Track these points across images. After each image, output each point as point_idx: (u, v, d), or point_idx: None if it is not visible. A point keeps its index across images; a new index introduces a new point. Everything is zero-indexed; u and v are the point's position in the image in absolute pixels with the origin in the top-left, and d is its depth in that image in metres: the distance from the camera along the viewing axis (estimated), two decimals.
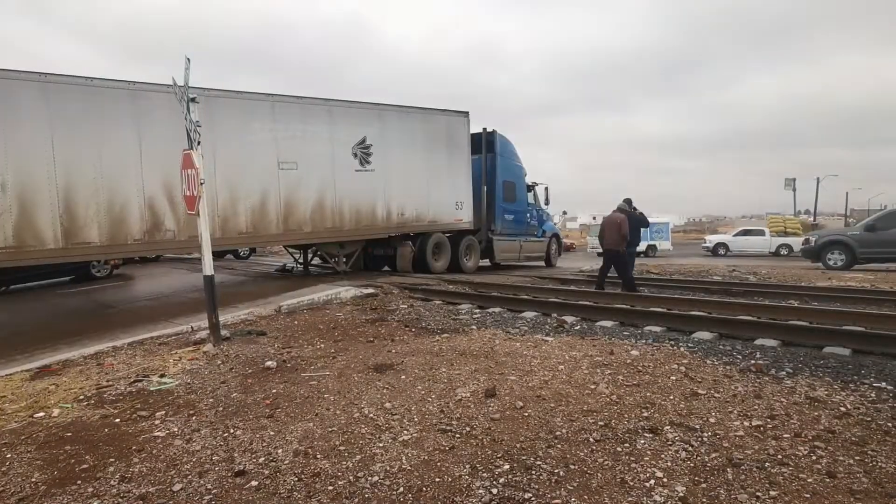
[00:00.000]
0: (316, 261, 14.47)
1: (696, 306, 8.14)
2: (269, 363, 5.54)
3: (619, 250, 10.15)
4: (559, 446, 3.49)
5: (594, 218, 34.94)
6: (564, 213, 30.46)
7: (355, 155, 12.37)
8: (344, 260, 13.13)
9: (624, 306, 8.19)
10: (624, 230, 10.05)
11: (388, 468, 3.32)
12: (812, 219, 46.68)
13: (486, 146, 15.69)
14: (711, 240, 32.90)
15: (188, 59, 6.01)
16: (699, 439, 3.52)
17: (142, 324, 7.94)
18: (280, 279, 12.82)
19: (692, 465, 3.21)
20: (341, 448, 3.62)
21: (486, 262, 16.57)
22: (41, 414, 4.60)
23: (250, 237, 11.08)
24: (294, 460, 3.48)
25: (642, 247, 31.96)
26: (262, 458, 3.54)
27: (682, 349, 5.58)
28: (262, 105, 11.03)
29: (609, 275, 10.78)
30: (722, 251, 30.74)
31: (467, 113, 14.54)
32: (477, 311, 8.23)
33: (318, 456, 3.53)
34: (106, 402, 4.79)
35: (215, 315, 6.40)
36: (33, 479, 3.45)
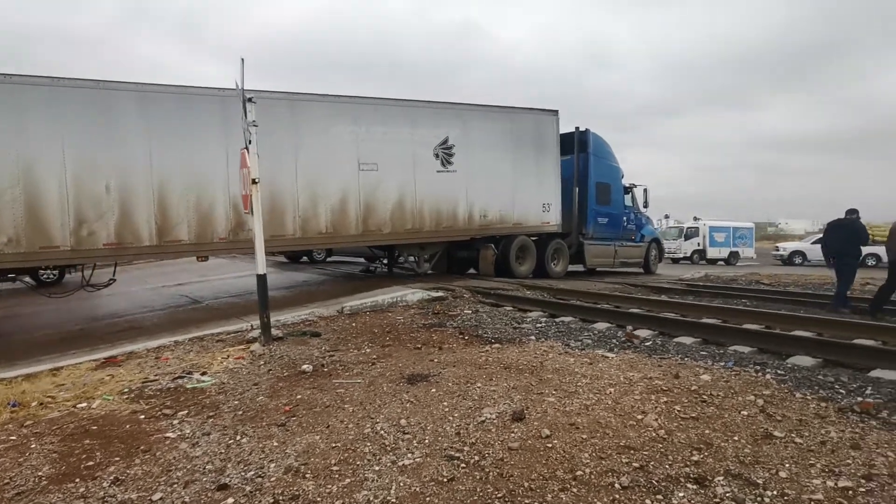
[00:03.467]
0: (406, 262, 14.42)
1: (803, 325, 6.96)
2: (305, 367, 5.38)
3: None
4: (575, 490, 2.92)
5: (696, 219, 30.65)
6: (666, 216, 28.21)
7: (437, 156, 12.14)
8: (426, 260, 12.97)
9: (713, 321, 7.22)
10: None
11: (371, 498, 2.94)
12: None
13: (578, 146, 14.85)
14: (786, 247, 28.24)
15: (242, 59, 6.05)
16: (759, 499, 2.80)
17: (216, 319, 8.23)
18: (359, 280, 12.89)
19: None
20: (335, 468, 3.31)
21: (579, 268, 15.73)
22: (83, 404, 4.75)
23: (329, 238, 11.20)
24: (281, 478, 3.22)
25: (724, 254, 28.25)
26: (252, 472, 3.31)
27: (767, 376, 4.67)
28: (344, 107, 11.13)
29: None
30: (798, 260, 26.31)
31: (556, 111, 13.82)
32: (544, 319, 7.63)
33: (308, 475, 3.23)
34: (143, 397, 4.86)
35: (266, 315, 6.39)
36: (40, 473, 3.47)
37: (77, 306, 10.67)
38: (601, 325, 7.24)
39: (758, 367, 4.98)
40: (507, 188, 13.06)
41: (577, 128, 15.02)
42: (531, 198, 13.44)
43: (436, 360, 5.46)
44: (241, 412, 4.38)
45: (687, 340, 6.27)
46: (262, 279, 6.41)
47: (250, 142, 6.13)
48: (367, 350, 6.09)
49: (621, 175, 16.26)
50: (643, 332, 6.74)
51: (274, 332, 6.64)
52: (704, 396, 4.12)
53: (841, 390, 4.35)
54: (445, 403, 4.23)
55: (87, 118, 9.05)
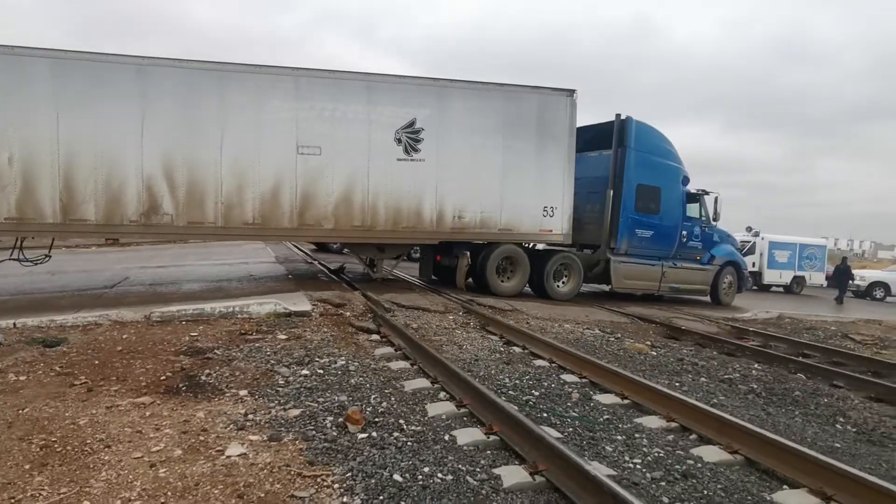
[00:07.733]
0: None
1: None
2: None
3: None
4: None
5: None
6: (749, 230, 22.20)
7: (399, 140, 10.15)
8: (391, 262, 11.14)
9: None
10: None
11: None
12: None
13: (616, 138, 11.86)
14: (865, 276, 22.21)
15: None
16: None
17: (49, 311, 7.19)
18: (284, 281, 11.07)
19: None
20: None
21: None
22: None
23: (258, 229, 9.78)
24: None
25: (785, 278, 21.59)
26: None
27: None
28: (283, 80, 9.62)
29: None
30: (879, 293, 21.35)
31: (572, 91, 10.94)
32: (355, 363, 5.39)
33: None
34: None
35: None
36: None
37: None
38: (413, 385, 4.93)
39: None
40: (494, 185, 10.63)
41: (617, 115, 12.04)
42: (527, 199, 10.84)
43: (26, 413, 3.73)
44: None
45: (468, 438, 3.81)
46: None
47: None
48: (31, 377, 4.51)
49: (682, 178, 12.80)
50: (442, 408, 4.36)
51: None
52: None
53: None
54: None
55: None
